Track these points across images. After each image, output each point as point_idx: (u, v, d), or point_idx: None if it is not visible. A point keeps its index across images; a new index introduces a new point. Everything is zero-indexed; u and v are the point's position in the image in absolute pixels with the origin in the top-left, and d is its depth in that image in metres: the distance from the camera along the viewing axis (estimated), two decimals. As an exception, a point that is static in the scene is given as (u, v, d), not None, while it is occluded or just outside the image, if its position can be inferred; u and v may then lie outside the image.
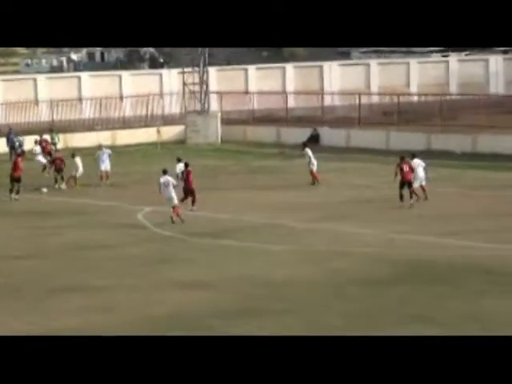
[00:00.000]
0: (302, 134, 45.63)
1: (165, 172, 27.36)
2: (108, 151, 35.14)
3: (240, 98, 50.64)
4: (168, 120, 49.56)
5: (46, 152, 39.91)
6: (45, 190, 32.03)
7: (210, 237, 24.80)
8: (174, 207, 26.78)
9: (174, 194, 26.84)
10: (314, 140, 45.34)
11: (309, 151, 33.16)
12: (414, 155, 29.71)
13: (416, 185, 28.55)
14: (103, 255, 22.89)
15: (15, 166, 31.57)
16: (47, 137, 41.73)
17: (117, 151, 44.59)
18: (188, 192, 28.07)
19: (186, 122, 47.99)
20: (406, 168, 28.25)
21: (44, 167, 36.69)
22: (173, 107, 50.49)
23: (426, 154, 39.16)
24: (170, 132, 48.03)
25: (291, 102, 51.60)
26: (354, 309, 17.82)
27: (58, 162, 34.89)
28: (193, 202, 28.18)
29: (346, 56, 67.43)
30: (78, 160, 33.95)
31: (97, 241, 24.63)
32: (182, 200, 27.69)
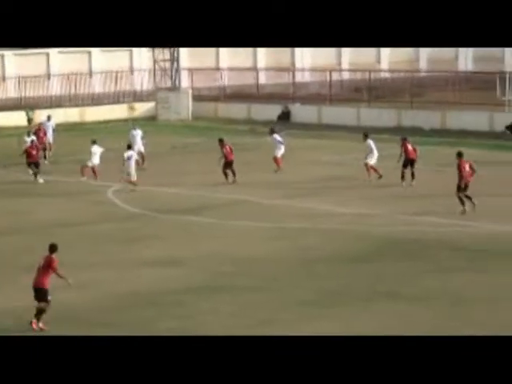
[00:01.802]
0: (272, 110, 45.60)
1: (129, 147, 28.69)
2: (140, 132, 33.05)
3: (211, 74, 50.41)
4: (138, 97, 49.26)
5: None
6: (41, 180, 29.65)
7: (180, 214, 24.78)
8: (129, 182, 27.90)
9: (133, 170, 27.94)
10: (285, 117, 45.32)
11: (277, 137, 31.51)
12: (366, 135, 29.43)
13: (372, 162, 28.54)
14: (74, 233, 22.79)
15: (29, 154, 30.22)
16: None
17: (85, 128, 44.36)
18: (228, 164, 29.08)
19: (156, 99, 47.74)
20: (409, 147, 28.07)
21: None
22: (143, 84, 50.15)
23: (396, 131, 39.35)
24: (141, 108, 47.77)
25: (262, 79, 51.45)
26: (324, 285, 17.91)
27: (40, 136, 34.11)
28: (233, 174, 29.00)
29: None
30: (96, 148, 30.30)
31: (67, 218, 24.52)
32: (224, 174, 28.74)
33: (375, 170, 28.58)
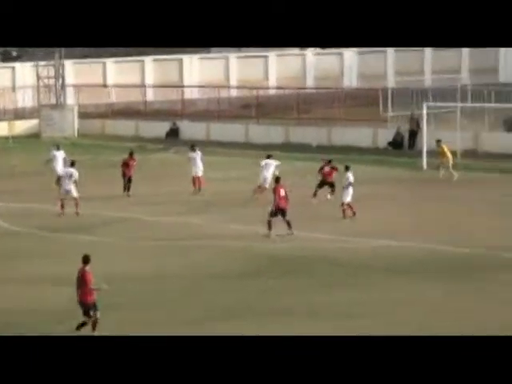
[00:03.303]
0: (161, 127, 45.45)
1: (72, 164, 27.76)
2: (62, 153, 31.06)
3: (98, 91, 49.84)
4: (21, 114, 48.20)
5: None
6: None
7: (68, 232, 24.36)
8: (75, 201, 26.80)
9: (72, 187, 26.94)
10: (173, 134, 45.21)
11: (193, 154, 30.37)
12: (269, 156, 29.15)
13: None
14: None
15: None
16: None
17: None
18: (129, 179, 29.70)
19: (40, 116, 46.88)
20: (327, 169, 27.84)
21: None
22: (26, 101, 49.10)
23: (284, 147, 39.76)
24: (24, 126, 46.76)
25: (150, 96, 51.20)
26: (212, 302, 17.88)
27: None
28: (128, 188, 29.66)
29: (206, 49, 67.72)
30: None
31: None
32: (124, 188, 29.66)
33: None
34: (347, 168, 26.20)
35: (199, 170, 30.30)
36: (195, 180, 30.25)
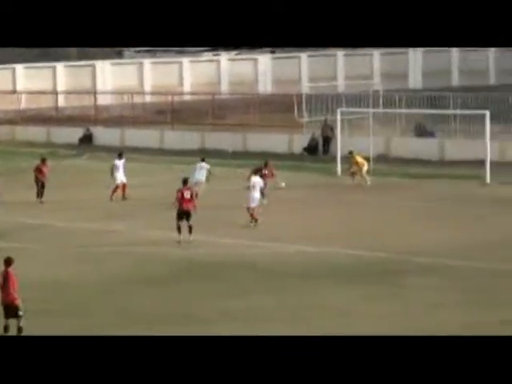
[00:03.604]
0: (74, 133, 44.96)
1: None
2: None
3: (7, 97, 48.91)
4: None
5: None
6: None
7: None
8: None
9: None
10: (87, 139, 44.69)
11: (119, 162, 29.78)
12: (203, 159, 29.56)
13: (197, 188, 26.92)
14: None
15: None
16: None
17: None
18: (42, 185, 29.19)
19: None
20: (265, 171, 27.80)
21: None
22: None
23: (200, 153, 39.64)
24: None
25: (62, 102, 50.52)
26: (125, 308, 17.73)
27: None
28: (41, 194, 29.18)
29: (119, 55, 67.18)
30: None
31: None
32: (37, 194, 29.12)
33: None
34: (255, 172, 26.21)
35: (124, 177, 29.89)
36: (118, 187, 29.69)
